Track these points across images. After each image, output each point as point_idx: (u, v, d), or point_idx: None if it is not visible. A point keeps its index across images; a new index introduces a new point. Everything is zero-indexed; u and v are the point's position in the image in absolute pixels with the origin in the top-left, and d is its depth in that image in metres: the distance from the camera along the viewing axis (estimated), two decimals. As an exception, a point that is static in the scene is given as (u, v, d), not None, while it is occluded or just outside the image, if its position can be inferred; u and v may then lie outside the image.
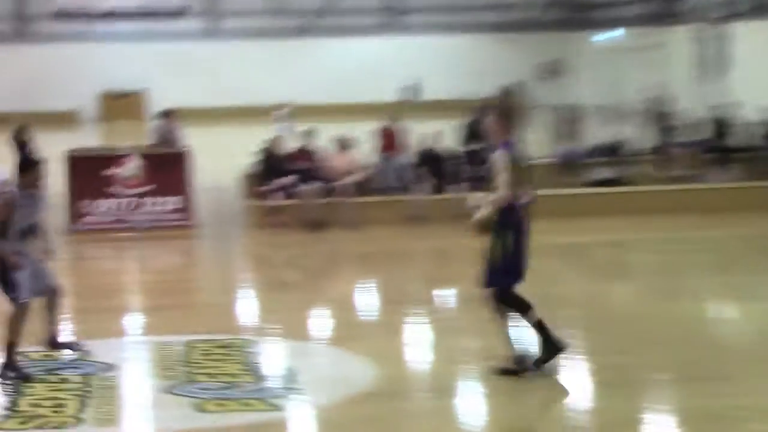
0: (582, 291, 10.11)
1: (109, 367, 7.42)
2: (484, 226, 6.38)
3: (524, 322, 6.60)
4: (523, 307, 6.52)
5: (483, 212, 6.39)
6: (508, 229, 6.36)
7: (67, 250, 12.46)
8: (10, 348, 7.13)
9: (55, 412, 6.51)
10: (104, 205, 13.21)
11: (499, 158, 6.37)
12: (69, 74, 34.75)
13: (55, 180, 15.21)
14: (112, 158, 13.65)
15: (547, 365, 6.58)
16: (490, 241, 6.41)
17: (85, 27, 36.49)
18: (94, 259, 12.71)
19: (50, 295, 7.51)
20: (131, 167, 13.30)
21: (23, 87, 33.84)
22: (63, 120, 32.01)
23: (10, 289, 7.31)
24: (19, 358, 7.19)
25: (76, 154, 13.88)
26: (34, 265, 7.43)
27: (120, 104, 35.28)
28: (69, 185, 13.29)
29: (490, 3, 37.95)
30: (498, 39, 38.69)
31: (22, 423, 6.29)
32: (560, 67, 35.45)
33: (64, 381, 7.00)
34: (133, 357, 7.88)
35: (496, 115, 6.63)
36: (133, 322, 9.24)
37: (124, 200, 13.32)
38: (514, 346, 6.60)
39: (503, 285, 6.46)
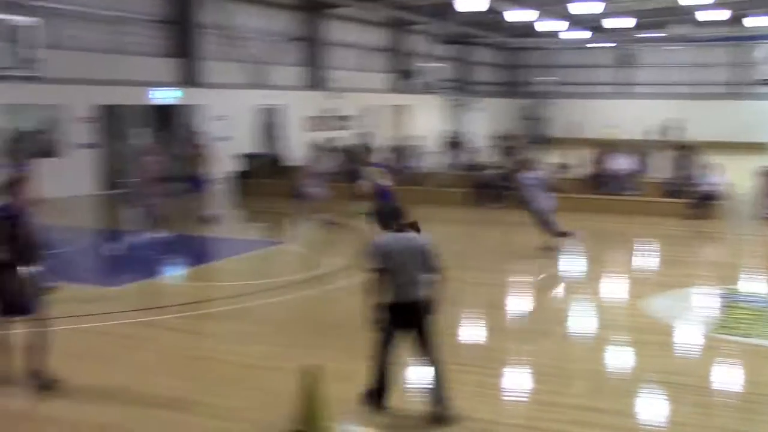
0: None
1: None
2: None
3: None
4: None
5: None
6: None
7: (759, 230, 15.61)
8: None
9: (748, 325, 8.71)
10: (778, 203, 15.81)
11: None
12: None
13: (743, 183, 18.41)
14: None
15: None
16: None
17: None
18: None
19: None
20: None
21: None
22: (762, 149, 37.49)
23: None
24: None
25: (762, 170, 16.73)
26: None
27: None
28: (760, 189, 16.33)
29: None
30: None
31: (728, 329, 8.54)
32: None
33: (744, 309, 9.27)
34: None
35: None
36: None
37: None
38: None
39: None
